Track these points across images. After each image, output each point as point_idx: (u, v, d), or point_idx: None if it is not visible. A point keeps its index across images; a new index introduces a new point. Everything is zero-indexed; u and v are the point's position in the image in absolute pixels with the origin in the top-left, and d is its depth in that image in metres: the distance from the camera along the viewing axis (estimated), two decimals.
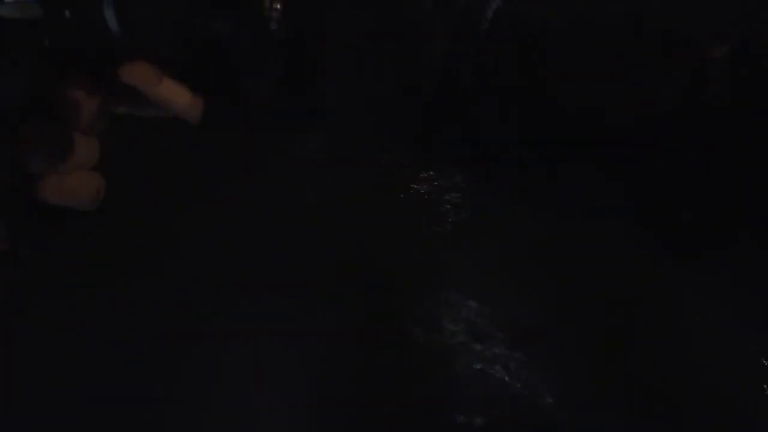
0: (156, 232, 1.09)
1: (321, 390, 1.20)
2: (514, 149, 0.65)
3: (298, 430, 1.27)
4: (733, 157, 0.59)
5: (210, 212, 1.05)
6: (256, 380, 1.23)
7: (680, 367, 1.14)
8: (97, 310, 1.16)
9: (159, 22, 0.62)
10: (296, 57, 0.65)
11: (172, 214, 1.07)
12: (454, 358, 1.20)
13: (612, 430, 1.24)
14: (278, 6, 0.64)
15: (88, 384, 1.18)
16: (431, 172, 0.69)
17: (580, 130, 0.63)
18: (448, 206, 1.07)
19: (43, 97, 0.62)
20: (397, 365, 1.21)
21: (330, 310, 1.13)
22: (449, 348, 1.20)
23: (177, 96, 0.66)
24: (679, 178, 0.61)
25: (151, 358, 1.17)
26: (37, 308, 1.08)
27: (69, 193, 0.64)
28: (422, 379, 1.21)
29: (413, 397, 1.25)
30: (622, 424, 1.29)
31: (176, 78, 0.65)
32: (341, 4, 0.66)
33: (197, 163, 0.98)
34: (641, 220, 0.64)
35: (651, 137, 0.61)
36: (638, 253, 0.68)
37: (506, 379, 1.23)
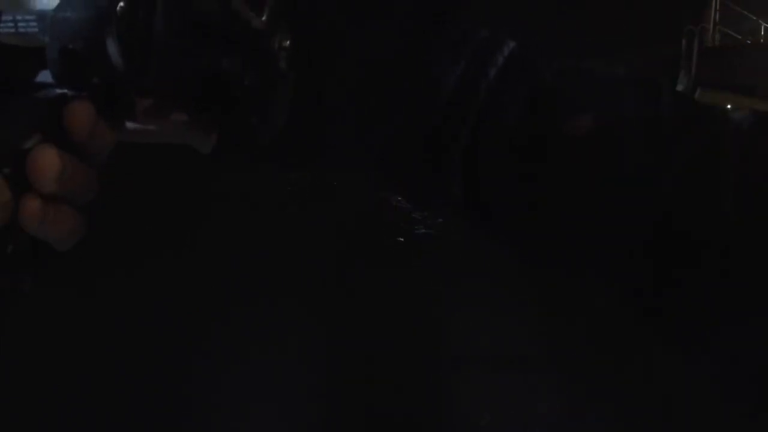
0: (157, 243, 1.09)
1: (311, 401, 1.20)
2: (513, 197, 0.64)
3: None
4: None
5: (211, 226, 1.05)
6: (254, 386, 1.23)
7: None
8: (95, 313, 1.16)
9: (163, 58, 0.62)
10: (303, 95, 0.64)
11: (175, 226, 1.07)
12: (445, 378, 1.20)
13: None
14: (286, 44, 0.63)
15: (85, 385, 1.18)
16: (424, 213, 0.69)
17: (581, 184, 0.63)
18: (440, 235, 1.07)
19: (47, 124, 0.62)
20: (387, 379, 1.21)
21: (320, 329, 1.13)
22: (441, 368, 1.19)
23: (190, 126, 0.65)
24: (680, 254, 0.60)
25: (149, 362, 1.17)
26: (35, 310, 1.08)
27: (51, 223, 0.61)
28: (414, 394, 1.21)
29: (403, 411, 1.25)
30: None
31: (187, 109, 0.65)
32: (350, 43, 0.65)
33: (198, 187, 0.98)
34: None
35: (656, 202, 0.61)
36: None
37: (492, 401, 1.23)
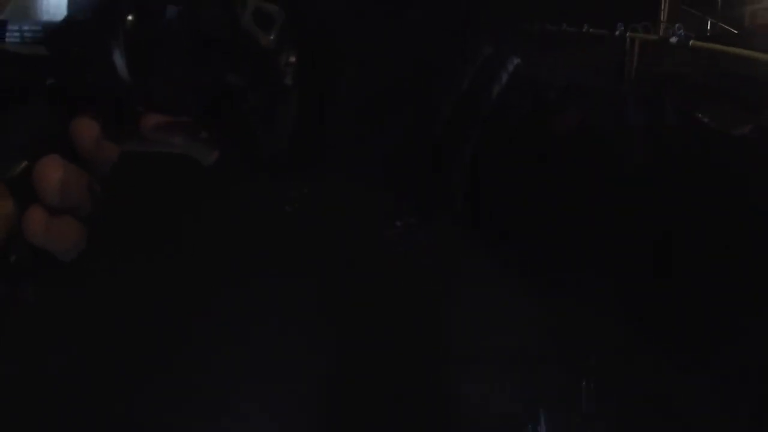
0: (156, 246, 1.08)
1: (306, 396, 1.20)
2: (515, 206, 0.66)
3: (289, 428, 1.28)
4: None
5: (211, 230, 1.05)
6: (250, 380, 1.23)
7: None
8: (94, 312, 1.14)
9: (170, 72, 0.62)
10: (309, 109, 0.65)
11: (174, 230, 1.06)
12: (447, 375, 1.21)
13: None
14: (293, 59, 0.64)
15: (82, 381, 1.16)
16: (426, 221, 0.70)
17: (583, 197, 0.64)
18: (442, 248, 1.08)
19: (53, 135, 0.62)
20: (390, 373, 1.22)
21: (320, 330, 1.14)
22: (443, 364, 1.21)
23: (193, 138, 0.66)
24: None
25: (148, 361, 1.16)
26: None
27: (55, 234, 0.61)
28: (415, 390, 1.22)
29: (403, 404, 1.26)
30: None
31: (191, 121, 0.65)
32: (356, 56, 0.66)
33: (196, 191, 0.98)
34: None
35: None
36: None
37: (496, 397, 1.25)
